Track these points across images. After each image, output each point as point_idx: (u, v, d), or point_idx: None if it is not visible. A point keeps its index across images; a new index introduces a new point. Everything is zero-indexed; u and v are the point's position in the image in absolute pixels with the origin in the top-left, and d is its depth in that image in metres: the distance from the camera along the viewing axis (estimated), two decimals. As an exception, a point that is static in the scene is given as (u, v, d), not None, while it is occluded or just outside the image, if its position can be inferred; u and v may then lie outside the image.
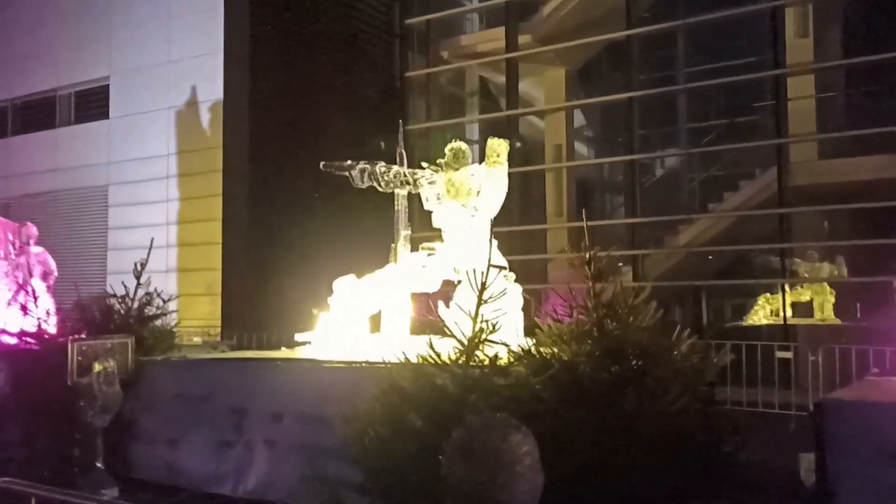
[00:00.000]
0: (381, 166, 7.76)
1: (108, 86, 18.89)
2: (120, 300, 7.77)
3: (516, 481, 3.91)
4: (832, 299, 16.34)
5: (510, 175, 7.35)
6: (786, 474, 5.14)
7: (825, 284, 15.85)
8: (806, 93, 14.46)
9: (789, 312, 15.78)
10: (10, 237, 10.24)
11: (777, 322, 15.82)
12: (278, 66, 18.00)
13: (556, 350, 4.74)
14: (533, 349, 4.71)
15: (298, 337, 7.86)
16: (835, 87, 15.69)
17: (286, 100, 17.92)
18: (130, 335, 7.18)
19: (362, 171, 7.77)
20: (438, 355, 4.68)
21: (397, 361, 4.94)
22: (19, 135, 20.74)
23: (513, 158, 7.54)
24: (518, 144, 15.61)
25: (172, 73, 17.80)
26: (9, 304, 9.98)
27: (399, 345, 7.15)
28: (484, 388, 4.42)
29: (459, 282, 7.31)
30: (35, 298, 8.13)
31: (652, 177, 17.16)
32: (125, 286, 7.82)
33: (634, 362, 4.55)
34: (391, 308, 7.62)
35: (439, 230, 7.65)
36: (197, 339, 11.06)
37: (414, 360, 4.94)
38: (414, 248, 7.87)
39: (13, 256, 10.35)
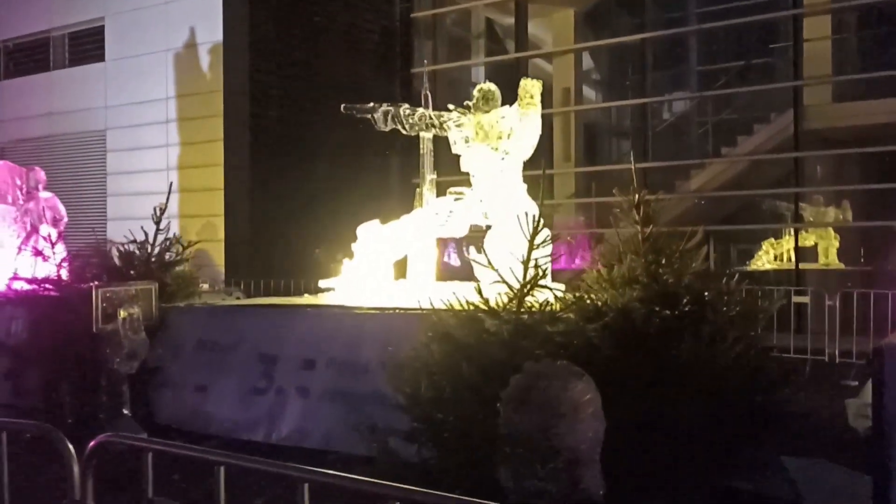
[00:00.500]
0: (405, 108, 7.56)
1: (103, 27, 18.44)
2: (139, 246, 7.61)
3: (579, 430, 3.83)
4: (836, 244, 16.31)
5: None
6: (829, 420, 5.11)
7: (830, 229, 15.80)
8: (821, 34, 14.17)
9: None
10: (18, 182, 10.03)
11: (782, 267, 15.81)
12: (278, 7, 17.57)
13: (604, 296, 4.64)
14: (584, 295, 4.60)
15: (322, 283, 7.75)
16: (848, 28, 15.39)
17: (287, 42, 17.54)
18: (154, 281, 7.04)
19: (385, 113, 7.58)
20: (487, 301, 4.57)
21: (443, 308, 4.83)
22: (12, 78, 20.30)
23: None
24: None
25: (170, 14, 17.36)
26: (19, 250, 9.82)
27: (427, 291, 7.08)
28: (538, 335, 4.32)
29: (488, 227, 7.19)
30: (52, 244, 7.95)
31: (661, 121, 16.91)
32: (144, 231, 7.65)
33: (688, 307, 4.45)
34: (417, 254, 7.50)
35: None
36: (205, 286, 10.90)
37: (457, 306, 4.85)
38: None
39: (21, 202, 10.16)
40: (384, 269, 7.57)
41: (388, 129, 7.70)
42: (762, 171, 14.53)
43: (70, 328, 7.21)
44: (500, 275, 4.49)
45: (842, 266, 15.77)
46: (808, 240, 16.16)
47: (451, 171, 8.07)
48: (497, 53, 17.87)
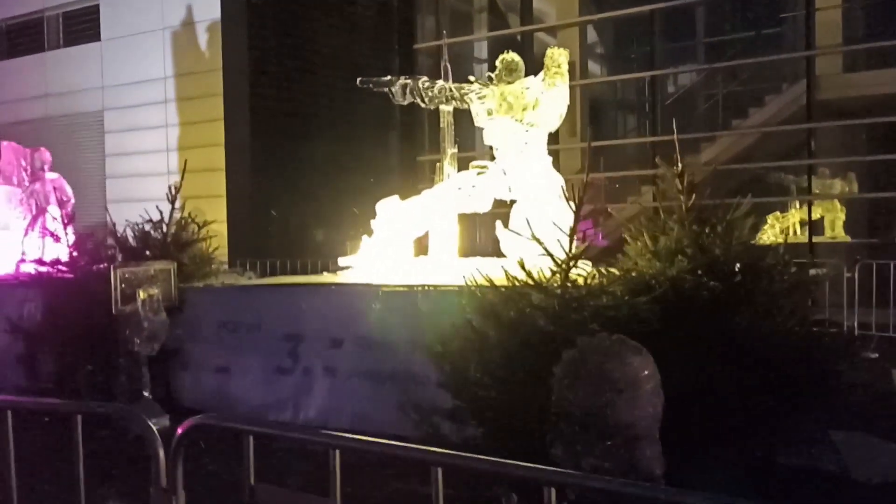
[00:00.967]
0: (423, 81, 7.38)
1: (98, 6, 18.12)
2: (154, 225, 7.44)
3: (638, 406, 3.71)
4: (843, 217, 16.21)
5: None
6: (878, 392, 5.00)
7: (836, 202, 15.69)
8: (832, 3, 13.96)
9: (800, 230, 15.66)
10: (23, 163, 9.81)
11: (791, 241, 15.69)
12: (275, -18, 17.27)
13: (651, 269, 4.50)
14: (632, 268, 4.46)
15: (342, 261, 7.60)
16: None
17: (285, 19, 17.26)
18: (172, 261, 6.88)
19: (403, 86, 7.40)
20: (529, 274, 4.43)
21: (483, 283, 4.68)
22: (5, 59, 19.96)
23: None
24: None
25: (166, -9, 17.08)
26: (26, 232, 9.64)
27: (451, 267, 6.94)
28: (586, 309, 4.18)
29: (513, 201, 7.04)
30: (65, 225, 7.76)
31: (669, 94, 16.72)
32: (160, 210, 7.47)
33: (739, 278, 4.32)
34: (439, 229, 7.34)
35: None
36: (224, 268, 10.71)
37: (498, 281, 4.72)
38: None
39: (27, 183, 9.95)
40: (405, 245, 7.42)
41: (405, 102, 7.53)
42: (773, 143, 14.36)
43: (86, 310, 7.06)
44: (545, 248, 4.34)
45: (848, 238, 15.68)
46: (813, 213, 16.05)
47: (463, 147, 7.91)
48: (499, 28, 17.62)
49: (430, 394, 5.21)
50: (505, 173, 6.99)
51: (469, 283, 4.79)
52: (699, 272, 4.29)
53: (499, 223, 6.67)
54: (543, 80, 6.80)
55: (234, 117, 16.64)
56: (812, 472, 4.53)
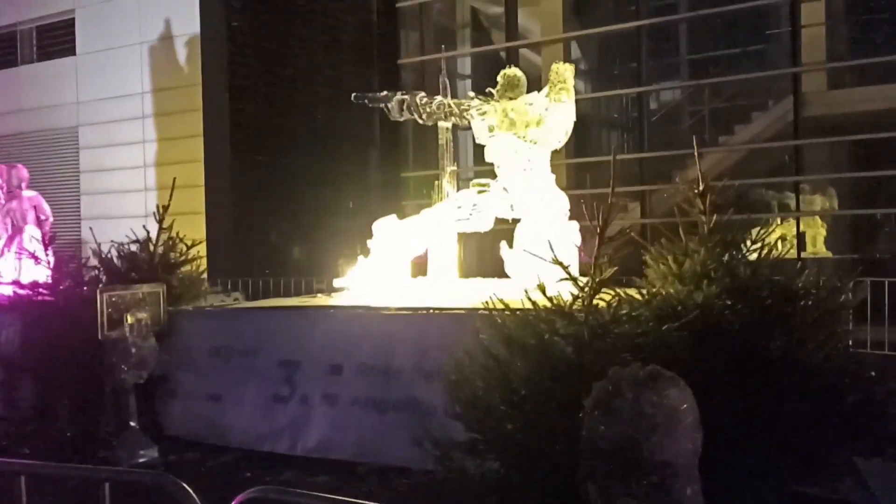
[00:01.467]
0: (421, 97, 7.17)
1: (73, 20, 17.78)
2: (141, 246, 7.12)
3: (677, 442, 3.49)
4: (824, 232, 16.21)
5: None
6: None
7: (817, 217, 15.70)
8: (815, 20, 14.00)
9: (780, 247, 15.60)
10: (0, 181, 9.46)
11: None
12: (256, -1, 17.05)
13: (677, 293, 4.30)
14: (659, 292, 4.26)
15: (337, 283, 7.34)
16: (838, 14, 15.27)
17: (264, 34, 17.02)
18: (161, 283, 6.57)
19: (401, 102, 7.19)
20: (552, 299, 4.20)
21: (500, 308, 4.45)
22: (-21, 75, 19.52)
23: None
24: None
25: (143, 6, 16.76)
26: (1, 252, 9.28)
27: (453, 288, 6.72)
28: (613, 337, 3.97)
29: (515, 220, 6.84)
30: (45, 245, 7.40)
31: (655, 111, 16.66)
32: (146, 230, 7.16)
33: (769, 301, 4.13)
34: (439, 249, 7.11)
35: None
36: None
37: (508, 306, 4.49)
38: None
39: (2, 201, 9.59)
40: (402, 266, 7.18)
41: (402, 118, 7.32)
42: (760, 160, 14.34)
43: (68, 335, 6.72)
44: (567, 272, 4.12)
45: (829, 254, 15.68)
46: (794, 229, 16.03)
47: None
48: (482, 43, 17.51)
49: (438, 423, 4.96)
50: (507, 191, 6.79)
51: (485, 306, 4.56)
52: (729, 297, 4.09)
53: (503, 244, 6.47)
54: (548, 95, 6.62)
55: (213, 133, 16.34)
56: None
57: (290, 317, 6.51)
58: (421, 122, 7.23)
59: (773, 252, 4.64)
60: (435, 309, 5.73)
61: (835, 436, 3.95)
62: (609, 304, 4.22)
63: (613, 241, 4.22)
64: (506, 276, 6.85)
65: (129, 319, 6.16)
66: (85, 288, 6.83)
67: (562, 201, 6.65)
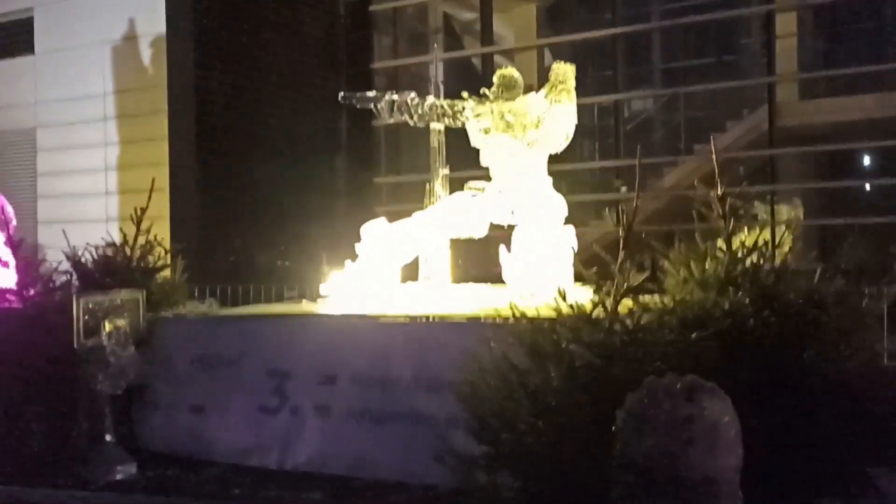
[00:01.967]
0: (412, 97, 6.95)
1: (32, 17, 17.20)
2: (117, 249, 6.77)
3: (718, 457, 3.31)
4: (789, 242, 16.31)
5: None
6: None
7: (782, 226, 15.83)
8: (787, 31, 14.13)
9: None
10: (-41, 182, 8.96)
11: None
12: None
13: (701, 300, 4.13)
14: (686, 300, 4.09)
15: (324, 290, 7.05)
16: (807, 25, 15.44)
17: (231, 35, 16.65)
18: (140, 289, 6.24)
19: (391, 103, 6.96)
20: (574, 307, 4.00)
21: (514, 316, 4.24)
22: (-70, 74, 18.78)
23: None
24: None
25: (106, 4, 16.27)
26: (-38, 258, 8.77)
27: (446, 295, 6.49)
28: (635, 345, 3.78)
29: (511, 226, 6.64)
30: (13, 249, 6.98)
31: (630, 119, 16.66)
32: (123, 233, 6.81)
33: (795, 310, 3.99)
34: (430, 255, 6.88)
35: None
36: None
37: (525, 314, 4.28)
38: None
39: (-39, 204, 9.10)
40: (392, 271, 6.93)
41: (392, 120, 7.11)
42: (734, 169, 14.37)
43: (39, 344, 6.33)
44: (592, 277, 3.92)
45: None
46: (761, 239, 16.13)
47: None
48: (454, 49, 17.35)
49: (441, 436, 4.73)
50: (500, 192, 6.59)
51: (496, 314, 4.35)
52: (757, 303, 3.94)
53: (502, 248, 6.27)
54: (546, 96, 6.44)
55: (178, 135, 15.89)
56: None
57: (279, 324, 6.22)
58: (412, 123, 7.01)
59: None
60: (435, 316, 5.51)
61: (862, 449, 3.81)
62: (632, 311, 4.04)
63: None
64: (498, 281, 6.67)
65: (108, 327, 5.82)
66: (57, 294, 6.45)
67: (560, 206, 6.48)
